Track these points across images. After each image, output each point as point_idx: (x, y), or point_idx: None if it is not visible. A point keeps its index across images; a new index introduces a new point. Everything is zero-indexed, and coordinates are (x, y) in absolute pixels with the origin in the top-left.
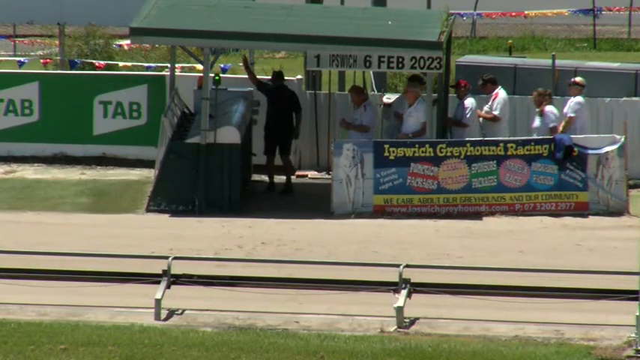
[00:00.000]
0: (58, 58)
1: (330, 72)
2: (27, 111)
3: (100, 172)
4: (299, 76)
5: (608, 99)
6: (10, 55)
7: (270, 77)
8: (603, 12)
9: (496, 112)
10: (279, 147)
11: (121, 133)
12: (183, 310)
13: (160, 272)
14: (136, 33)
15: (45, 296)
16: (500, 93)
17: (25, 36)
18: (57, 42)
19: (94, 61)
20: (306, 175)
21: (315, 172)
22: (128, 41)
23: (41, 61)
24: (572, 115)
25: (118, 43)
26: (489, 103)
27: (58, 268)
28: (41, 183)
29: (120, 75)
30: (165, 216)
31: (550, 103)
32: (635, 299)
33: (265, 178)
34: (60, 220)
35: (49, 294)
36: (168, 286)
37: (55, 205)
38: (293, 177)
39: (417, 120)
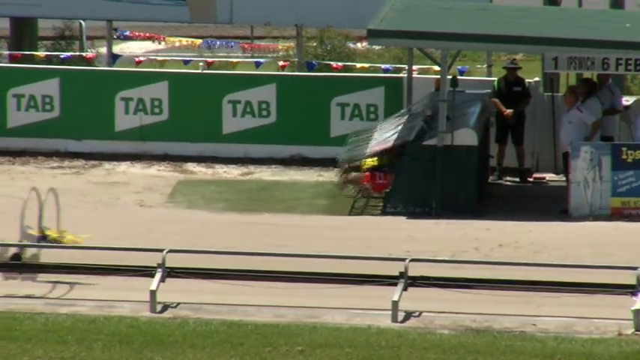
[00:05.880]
0: (295, 60)
1: (568, 74)
2: (264, 112)
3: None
4: (536, 78)
5: None
6: (247, 57)
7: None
8: None
9: None
10: (513, 136)
11: None
12: (420, 313)
13: (397, 274)
14: (373, 35)
15: (281, 298)
16: None
17: (262, 37)
18: (293, 44)
19: (331, 63)
20: (544, 178)
21: (553, 175)
22: (364, 43)
23: (279, 63)
24: None
25: (351, 43)
26: None
27: (294, 269)
28: (278, 185)
29: (356, 77)
30: (402, 218)
31: None
32: None
33: (500, 182)
34: (296, 221)
35: (286, 295)
36: (405, 288)
37: (292, 206)
38: (530, 178)
39: None
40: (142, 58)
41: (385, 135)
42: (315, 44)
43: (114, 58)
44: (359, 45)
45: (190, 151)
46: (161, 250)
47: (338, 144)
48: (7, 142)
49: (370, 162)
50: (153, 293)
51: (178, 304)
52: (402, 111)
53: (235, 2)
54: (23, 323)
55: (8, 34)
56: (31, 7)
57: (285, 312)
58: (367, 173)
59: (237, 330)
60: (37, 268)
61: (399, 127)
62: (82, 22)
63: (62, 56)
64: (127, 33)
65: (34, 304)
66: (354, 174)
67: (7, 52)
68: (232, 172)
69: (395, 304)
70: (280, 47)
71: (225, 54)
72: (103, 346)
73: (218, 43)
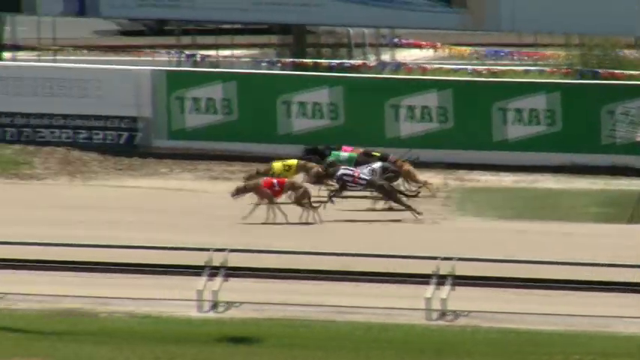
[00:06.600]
0: (566, 68)
1: None
2: (546, 120)
3: (611, 181)
4: None
5: None
6: (530, 65)
7: None
8: None
9: None
10: None
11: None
12: None
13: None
14: None
15: (573, 307)
16: None
17: (530, 45)
18: (562, 52)
19: (614, 71)
20: None
21: None
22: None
23: (547, 69)
24: None
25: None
26: None
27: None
28: (553, 193)
29: (625, 85)
30: None
31: None
32: None
33: None
34: (569, 229)
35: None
36: None
37: (567, 214)
38: None
39: None
40: (422, 65)
41: None
42: (587, 52)
43: (394, 66)
44: (626, 52)
45: (462, 159)
46: (435, 258)
47: (610, 152)
48: (278, 148)
49: (278, 168)
50: (430, 301)
51: (466, 312)
52: None
53: (517, 10)
54: (314, 330)
55: (276, 41)
56: (305, 15)
57: (573, 321)
58: (266, 179)
59: (502, 338)
60: (314, 274)
61: None
62: (364, 30)
63: (334, 64)
64: (402, 40)
65: (309, 311)
66: (253, 180)
67: (290, 60)
68: (505, 179)
69: None
70: (556, 55)
71: (508, 61)
72: (395, 353)
73: (504, 51)
